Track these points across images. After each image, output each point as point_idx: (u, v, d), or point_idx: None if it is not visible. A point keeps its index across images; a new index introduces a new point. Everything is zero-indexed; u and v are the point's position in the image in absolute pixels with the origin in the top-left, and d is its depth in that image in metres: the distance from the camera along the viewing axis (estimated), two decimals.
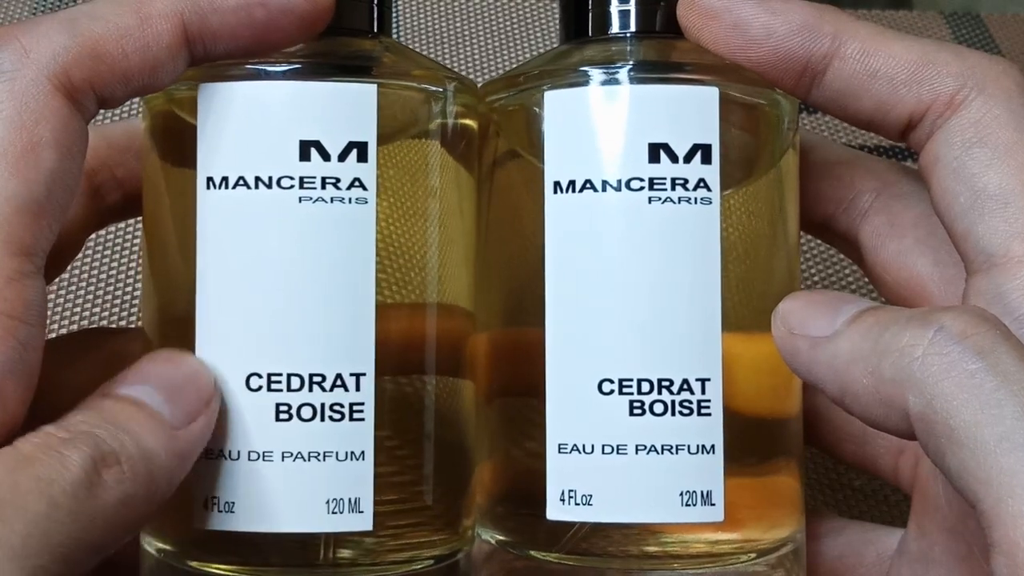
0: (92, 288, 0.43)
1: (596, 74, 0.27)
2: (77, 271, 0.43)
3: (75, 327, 0.42)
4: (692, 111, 0.27)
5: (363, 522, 0.26)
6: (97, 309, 0.42)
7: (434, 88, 0.28)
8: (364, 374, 0.26)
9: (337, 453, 0.26)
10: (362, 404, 0.26)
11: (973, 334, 0.22)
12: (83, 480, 0.23)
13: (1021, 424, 0.21)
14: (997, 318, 0.23)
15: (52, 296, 0.38)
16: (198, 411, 0.25)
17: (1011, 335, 0.22)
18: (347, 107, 0.26)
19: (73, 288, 0.43)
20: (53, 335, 0.25)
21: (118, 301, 0.43)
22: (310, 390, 0.26)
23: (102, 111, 0.26)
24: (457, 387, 0.29)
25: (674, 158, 0.27)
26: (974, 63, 0.26)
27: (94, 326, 0.42)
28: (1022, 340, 0.23)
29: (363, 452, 0.26)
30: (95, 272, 0.43)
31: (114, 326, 0.42)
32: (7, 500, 0.22)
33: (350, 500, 0.26)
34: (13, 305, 0.23)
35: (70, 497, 0.22)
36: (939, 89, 0.26)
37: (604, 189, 0.27)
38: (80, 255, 0.41)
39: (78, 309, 0.42)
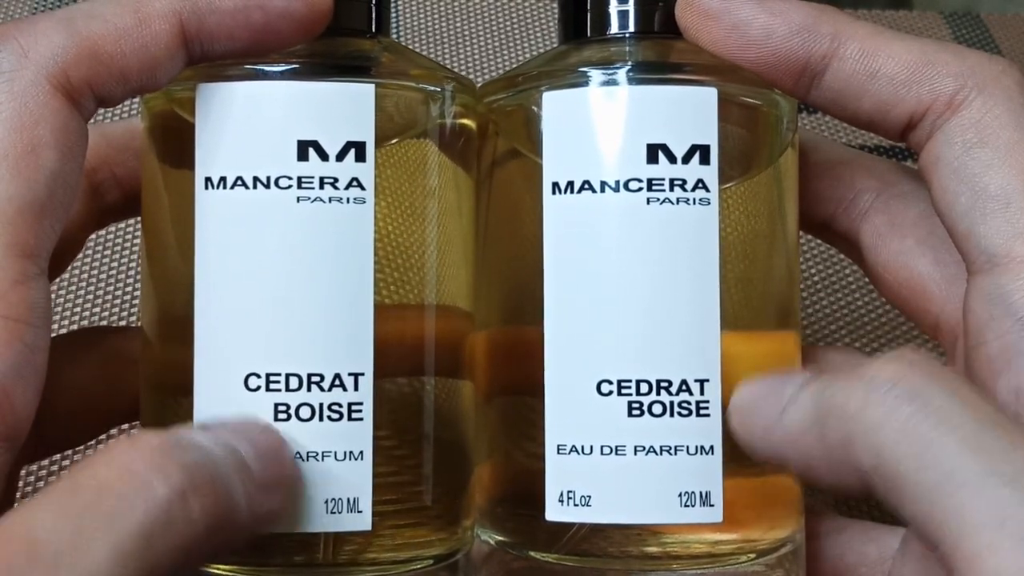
0: (92, 288, 0.43)
1: (595, 75, 0.27)
2: (77, 271, 0.43)
3: (75, 327, 0.42)
4: (690, 112, 0.27)
5: (362, 522, 0.26)
6: (97, 309, 0.42)
7: (432, 88, 0.28)
8: (363, 374, 0.26)
9: (336, 453, 0.26)
10: (361, 404, 0.26)
11: (903, 378, 0.22)
12: (163, 515, 0.21)
13: (961, 460, 0.20)
14: (926, 358, 0.23)
15: (52, 296, 0.38)
16: (279, 482, 0.24)
17: (942, 372, 0.22)
18: (345, 107, 0.26)
19: (73, 288, 0.43)
20: (53, 334, 0.25)
21: (118, 301, 0.43)
22: (308, 390, 0.26)
23: (101, 110, 0.26)
24: (456, 388, 0.29)
25: (672, 159, 0.27)
26: (974, 63, 0.26)
27: (94, 325, 0.42)
28: None
29: (362, 452, 0.26)
30: (95, 272, 0.44)
31: (114, 325, 0.42)
32: (64, 554, 0.19)
33: (349, 500, 0.26)
34: (18, 309, 0.23)
35: (140, 539, 0.20)
36: (939, 89, 0.26)
37: (602, 190, 0.27)
38: (80, 255, 0.41)
39: (78, 309, 0.42)
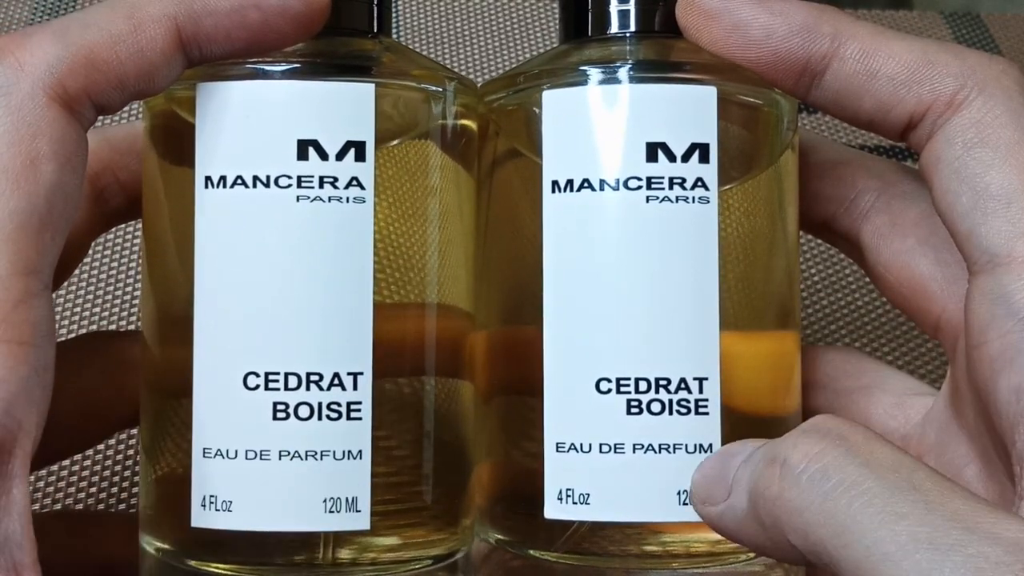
0: (93, 288, 0.43)
1: (595, 73, 0.27)
2: (78, 272, 0.43)
3: (76, 327, 0.42)
4: (690, 110, 0.27)
5: (360, 521, 0.26)
6: (97, 309, 0.42)
7: (434, 88, 0.28)
8: (361, 373, 0.26)
9: (334, 452, 0.26)
10: (359, 403, 0.26)
11: (814, 457, 0.22)
12: None
13: (880, 532, 0.21)
14: (835, 427, 0.23)
15: (53, 297, 0.38)
16: None
17: (854, 439, 0.22)
18: (345, 106, 0.26)
19: (74, 289, 0.43)
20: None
21: (118, 301, 0.43)
22: (307, 389, 0.26)
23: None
24: (456, 388, 0.29)
25: (672, 157, 0.27)
26: (974, 63, 0.26)
27: (95, 329, 0.42)
28: None
29: (360, 451, 0.26)
30: (96, 272, 0.44)
31: (116, 329, 0.42)
32: None
33: (347, 499, 0.26)
34: (21, 331, 0.23)
35: None
36: (939, 89, 0.26)
37: (602, 188, 0.27)
38: None
39: (79, 309, 0.42)
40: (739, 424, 0.27)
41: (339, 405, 0.26)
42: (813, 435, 0.23)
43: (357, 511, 0.26)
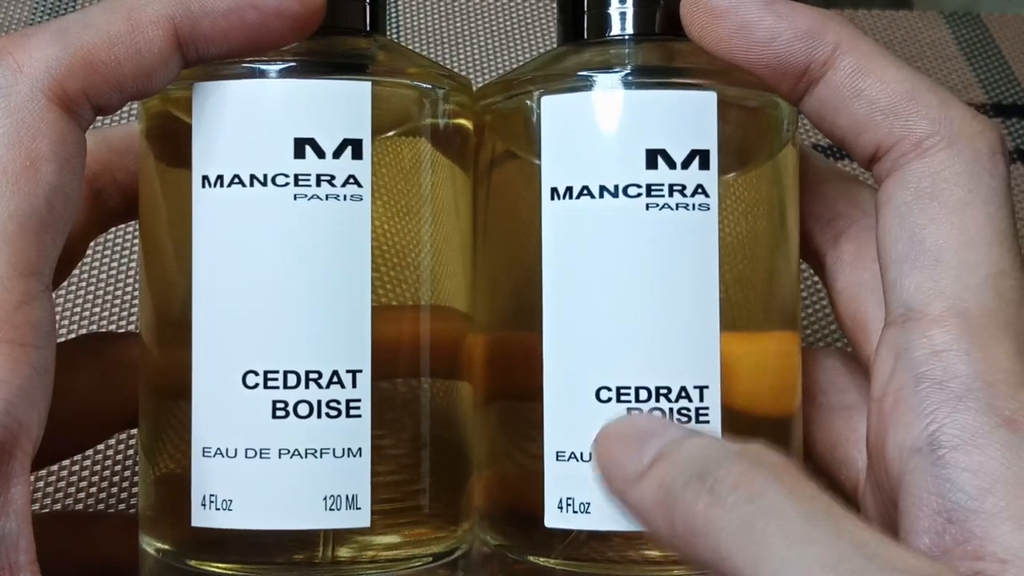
0: (93, 288, 0.43)
1: (594, 79, 0.27)
2: (78, 272, 0.43)
3: (75, 327, 0.42)
4: (690, 116, 0.27)
5: (361, 519, 0.26)
6: (97, 309, 0.42)
7: (428, 86, 0.28)
8: (360, 371, 0.26)
9: (334, 450, 0.26)
10: (359, 401, 0.26)
11: (744, 483, 0.22)
12: None
13: (790, 552, 0.21)
14: (767, 459, 0.23)
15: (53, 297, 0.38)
16: None
17: (780, 470, 0.22)
18: (342, 105, 0.26)
19: (74, 289, 0.43)
20: None
21: (118, 301, 0.43)
22: (307, 387, 0.26)
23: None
24: (454, 388, 0.29)
25: (672, 164, 0.27)
26: (955, 114, 0.26)
27: (95, 329, 0.42)
28: (924, 395, 0.24)
29: (360, 449, 0.26)
30: (96, 272, 0.44)
31: (114, 330, 0.42)
32: None
33: (347, 496, 0.26)
34: (23, 332, 0.23)
35: None
36: (912, 128, 0.25)
37: (601, 195, 0.27)
38: None
39: (78, 310, 0.42)
40: (740, 424, 0.27)
41: (338, 403, 0.26)
42: (745, 460, 0.23)
43: (357, 508, 0.26)
